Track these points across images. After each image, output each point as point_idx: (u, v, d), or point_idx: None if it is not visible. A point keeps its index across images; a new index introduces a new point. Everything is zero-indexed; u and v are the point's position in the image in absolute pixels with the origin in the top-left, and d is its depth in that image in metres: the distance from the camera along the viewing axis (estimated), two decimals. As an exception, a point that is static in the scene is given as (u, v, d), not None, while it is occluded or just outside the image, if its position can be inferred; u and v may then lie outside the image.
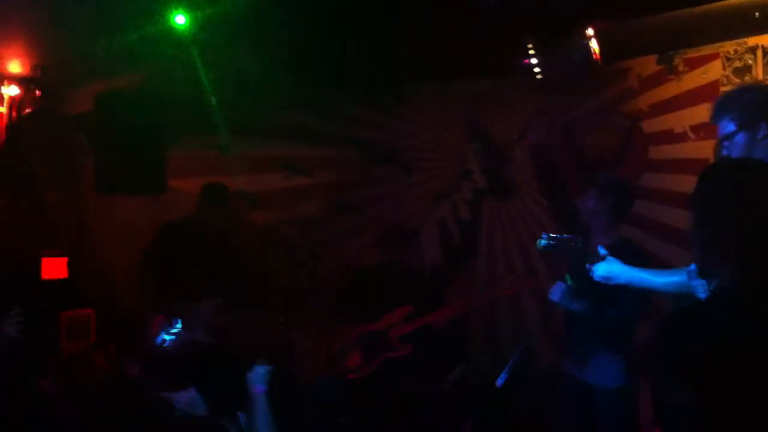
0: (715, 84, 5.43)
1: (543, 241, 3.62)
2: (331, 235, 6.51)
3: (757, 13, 4.88)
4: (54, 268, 5.46)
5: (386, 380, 5.15)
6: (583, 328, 4.03)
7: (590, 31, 5.39)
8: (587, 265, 3.34)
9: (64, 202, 5.95)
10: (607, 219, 4.20)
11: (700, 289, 2.74)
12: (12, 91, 5.45)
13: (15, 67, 5.41)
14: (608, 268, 3.27)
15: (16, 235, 5.47)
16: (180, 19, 5.00)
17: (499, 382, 4.34)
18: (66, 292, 5.53)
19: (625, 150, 5.97)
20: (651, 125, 5.85)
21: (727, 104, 3.09)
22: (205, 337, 4.70)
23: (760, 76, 5.23)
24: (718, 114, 3.08)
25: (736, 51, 5.37)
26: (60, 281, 5.53)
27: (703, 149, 5.27)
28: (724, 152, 3.06)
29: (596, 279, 3.33)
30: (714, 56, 5.46)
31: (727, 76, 5.35)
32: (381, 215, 6.50)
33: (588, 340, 4.06)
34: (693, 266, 2.81)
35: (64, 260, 5.51)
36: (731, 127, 3.02)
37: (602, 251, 3.31)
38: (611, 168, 6.03)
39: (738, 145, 3.01)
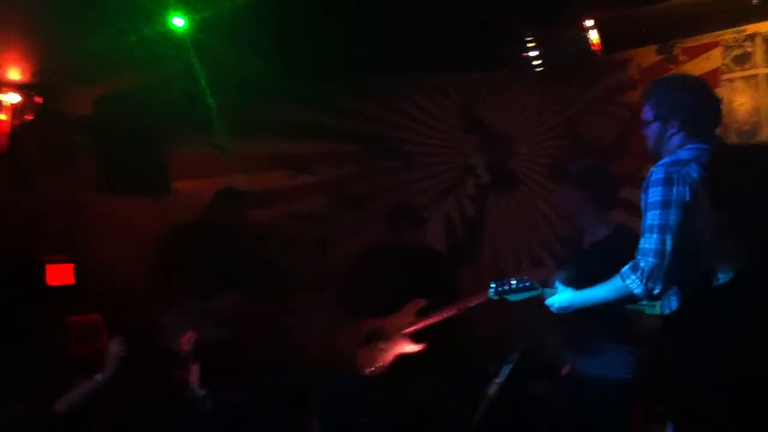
0: (715, 72, 5.43)
1: (491, 291, 3.56)
2: (336, 230, 6.51)
3: (755, 1, 4.88)
4: (61, 274, 5.48)
5: (399, 380, 5.09)
6: (583, 323, 4.00)
7: (589, 22, 5.39)
8: (546, 302, 3.33)
9: (67, 205, 5.97)
10: (592, 210, 4.05)
11: (633, 286, 2.77)
12: (12, 98, 5.46)
13: (14, 74, 5.42)
14: (560, 299, 3.26)
15: (20, 239, 5.48)
16: (178, 21, 5.01)
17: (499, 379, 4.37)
18: (71, 296, 5.55)
19: (625, 141, 5.97)
20: (651, 115, 5.83)
21: (649, 91, 3.13)
22: (222, 333, 4.72)
23: (760, 64, 5.23)
24: (642, 98, 3.12)
25: (735, 39, 5.36)
26: (65, 286, 5.55)
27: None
28: (643, 132, 3.12)
29: (555, 311, 3.32)
30: (713, 45, 5.46)
31: (726, 65, 5.35)
32: (385, 209, 6.49)
33: (590, 333, 4.03)
34: (625, 268, 2.84)
35: (71, 266, 5.52)
36: (648, 115, 3.07)
37: (559, 286, 3.29)
38: (612, 159, 6.04)
39: (651, 134, 3.08)
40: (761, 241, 2.76)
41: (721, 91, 5.32)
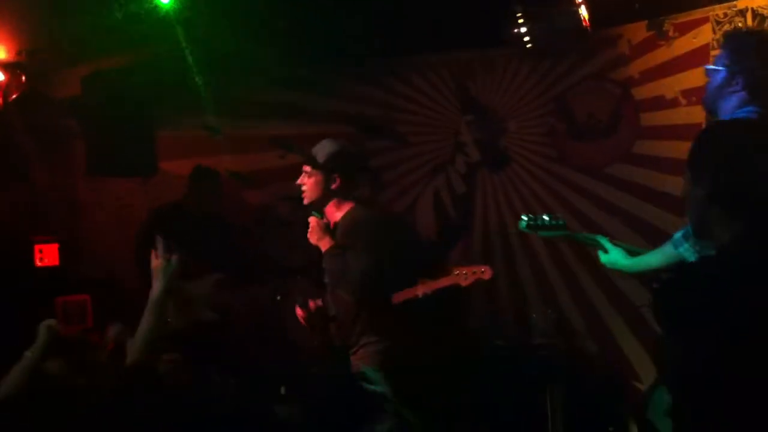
0: (705, 48, 5.40)
1: (523, 223, 3.58)
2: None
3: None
4: (45, 254, 5.45)
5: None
6: None
7: (580, -2, 5.36)
8: (602, 260, 3.34)
9: (56, 187, 5.94)
10: (339, 198, 4.04)
11: (688, 254, 2.75)
12: (-2, 77, 5.42)
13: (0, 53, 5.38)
14: (612, 258, 3.25)
15: (8, 221, 5.45)
16: (164, -3, 4.98)
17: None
18: (60, 277, 5.52)
19: (617, 117, 5.95)
20: (642, 92, 5.81)
21: (730, 38, 3.18)
22: (207, 313, 4.69)
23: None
24: (722, 42, 3.10)
25: (726, 14, 5.33)
26: (54, 267, 5.53)
27: (695, 114, 5.24)
28: (706, 74, 3.09)
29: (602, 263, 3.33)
30: (704, 20, 5.43)
31: (717, 40, 5.30)
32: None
33: None
34: (677, 234, 2.82)
35: (55, 246, 5.49)
36: (719, 62, 3.04)
37: (606, 245, 3.29)
38: (605, 136, 6.02)
39: (715, 82, 3.04)
40: None
41: (711, 67, 5.32)
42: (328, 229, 4.04)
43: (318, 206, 4.06)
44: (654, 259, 3.03)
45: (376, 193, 5.40)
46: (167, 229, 4.29)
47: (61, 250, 5.55)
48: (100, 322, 5.41)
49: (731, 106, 2.94)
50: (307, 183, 4.01)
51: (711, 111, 3.02)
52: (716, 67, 3.02)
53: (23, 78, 5.52)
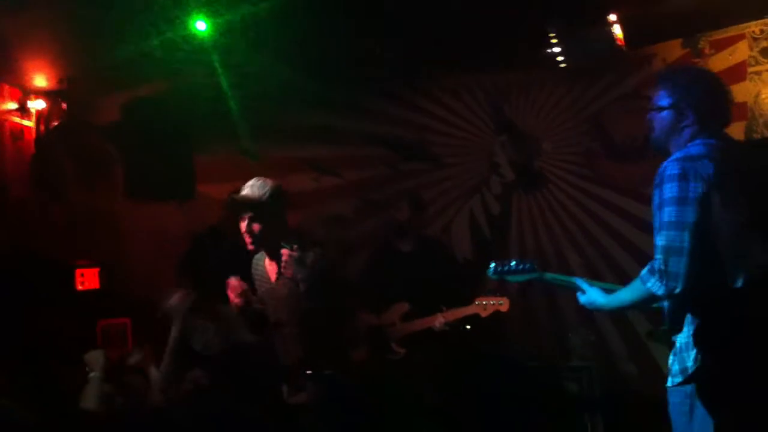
0: (742, 65, 5.36)
1: (490, 270, 3.55)
2: (362, 232, 6.50)
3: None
4: (86, 278, 5.53)
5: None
6: None
7: (613, 17, 5.34)
8: (582, 301, 3.31)
9: (96, 211, 6.02)
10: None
11: (655, 287, 2.73)
12: (39, 105, 5.53)
13: (41, 81, 5.49)
14: (594, 300, 3.22)
15: (51, 245, 5.54)
16: (201, 25, 5.05)
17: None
18: (101, 300, 5.59)
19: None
20: (678, 110, 5.77)
21: (668, 77, 3.07)
22: (246, 335, 4.72)
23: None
24: (658, 82, 3.06)
25: (762, 31, 5.30)
26: (95, 290, 5.60)
27: (732, 132, 5.14)
28: (649, 117, 3.03)
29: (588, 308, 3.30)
30: (740, 37, 5.39)
31: (754, 57, 5.27)
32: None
33: None
34: (644, 270, 2.79)
35: (96, 270, 5.57)
36: (663, 101, 2.99)
37: (583, 285, 3.27)
38: (641, 156, 5.98)
39: (661, 122, 2.99)
40: None
41: (747, 84, 5.27)
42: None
43: (268, 249, 3.90)
44: (626, 296, 2.97)
45: (415, 214, 5.40)
46: (206, 252, 4.35)
47: (101, 274, 5.62)
48: (140, 345, 5.49)
49: (683, 141, 2.91)
50: (255, 229, 3.79)
51: (662, 150, 2.98)
52: (661, 105, 2.97)
53: (64, 105, 5.64)
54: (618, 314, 5.86)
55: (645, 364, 5.77)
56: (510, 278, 3.48)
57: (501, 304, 4.91)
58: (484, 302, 4.93)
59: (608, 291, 3.16)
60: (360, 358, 5.22)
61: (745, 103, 5.24)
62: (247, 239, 3.81)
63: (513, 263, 3.45)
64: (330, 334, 3.83)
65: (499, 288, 5.76)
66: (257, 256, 4.01)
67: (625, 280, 5.38)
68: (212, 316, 4.49)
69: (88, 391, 3.70)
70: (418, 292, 5.11)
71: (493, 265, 3.52)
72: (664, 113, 2.97)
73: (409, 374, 5.06)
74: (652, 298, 2.80)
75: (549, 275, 3.41)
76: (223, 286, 4.01)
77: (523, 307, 5.53)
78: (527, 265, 3.44)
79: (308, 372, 3.78)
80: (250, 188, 3.84)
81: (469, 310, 4.96)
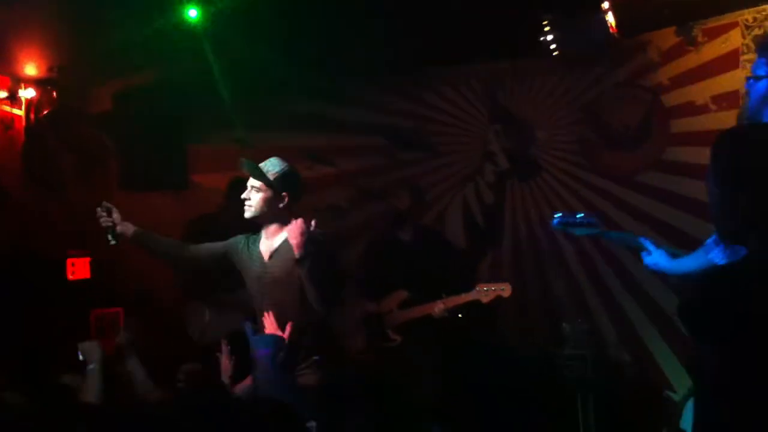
0: (735, 53, 5.35)
1: (555, 221, 3.60)
2: (357, 222, 6.49)
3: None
4: (77, 267, 5.51)
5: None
6: None
7: (606, 5, 5.33)
8: (645, 261, 3.34)
9: (89, 201, 5.99)
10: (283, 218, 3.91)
11: (718, 259, 2.73)
12: (29, 93, 5.49)
13: (31, 69, 5.45)
14: (655, 259, 3.24)
15: (43, 235, 5.52)
16: (192, 13, 5.03)
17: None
18: (92, 290, 5.58)
19: (648, 125, 5.91)
20: (672, 98, 5.78)
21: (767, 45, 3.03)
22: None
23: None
24: (756, 50, 3.01)
25: (755, 18, 5.28)
26: (88, 280, 5.58)
27: (726, 120, 5.19)
28: (746, 87, 2.98)
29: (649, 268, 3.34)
30: (733, 25, 5.38)
31: (746, 45, 5.26)
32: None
33: None
34: (709, 240, 2.80)
35: (87, 260, 5.55)
36: (761, 71, 2.93)
37: (649, 246, 3.29)
38: (636, 143, 5.98)
39: (759, 90, 2.92)
40: None
41: (740, 72, 5.27)
42: None
43: (261, 222, 3.96)
44: (689, 263, 3.04)
45: (415, 204, 5.41)
46: (205, 240, 4.34)
47: (93, 264, 5.60)
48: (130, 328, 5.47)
49: None
50: (254, 198, 3.90)
51: (753, 120, 2.92)
52: (759, 73, 2.90)
53: (54, 94, 5.61)
54: (612, 302, 5.92)
55: (638, 353, 5.80)
56: (573, 230, 3.55)
57: (503, 290, 4.89)
58: (485, 288, 4.91)
59: (675, 256, 3.20)
60: (355, 345, 5.25)
61: (737, 91, 5.25)
62: (245, 206, 3.93)
63: (578, 215, 3.50)
64: (324, 318, 3.85)
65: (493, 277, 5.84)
66: (252, 237, 4.05)
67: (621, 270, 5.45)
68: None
69: (88, 384, 3.67)
70: (417, 281, 5.11)
71: (558, 215, 3.57)
72: (763, 82, 2.90)
73: (403, 361, 5.07)
74: (706, 270, 2.82)
75: (613, 233, 3.47)
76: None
77: (516, 296, 5.52)
78: (591, 219, 3.50)
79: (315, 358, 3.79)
80: (265, 162, 3.96)
81: (470, 297, 4.95)
